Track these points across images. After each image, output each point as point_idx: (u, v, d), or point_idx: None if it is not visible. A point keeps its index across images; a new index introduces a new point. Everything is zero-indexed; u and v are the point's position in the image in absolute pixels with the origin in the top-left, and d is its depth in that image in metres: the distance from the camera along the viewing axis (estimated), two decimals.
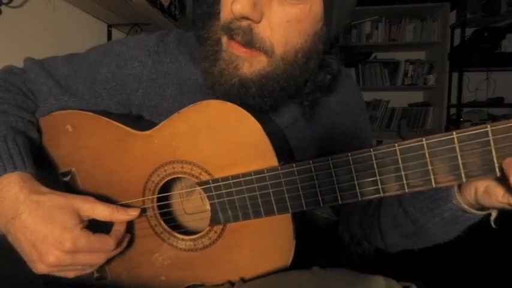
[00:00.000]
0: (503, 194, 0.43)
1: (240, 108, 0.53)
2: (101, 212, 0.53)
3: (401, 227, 0.60)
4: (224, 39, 0.54)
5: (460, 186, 0.50)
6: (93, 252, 0.51)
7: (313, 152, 0.69)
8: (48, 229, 0.48)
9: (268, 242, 0.57)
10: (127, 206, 0.61)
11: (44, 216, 0.48)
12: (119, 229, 0.56)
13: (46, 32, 1.48)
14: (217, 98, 0.55)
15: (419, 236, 0.59)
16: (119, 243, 0.55)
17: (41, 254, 0.48)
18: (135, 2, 1.64)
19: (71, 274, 0.52)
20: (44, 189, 0.52)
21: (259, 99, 0.56)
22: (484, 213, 0.49)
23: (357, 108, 0.72)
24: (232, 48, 0.53)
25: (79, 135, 0.64)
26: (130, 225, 0.60)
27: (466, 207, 0.50)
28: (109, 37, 1.94)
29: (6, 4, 1.22)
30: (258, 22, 0.50)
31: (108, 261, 0.56)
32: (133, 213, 0.56)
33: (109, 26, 1.93)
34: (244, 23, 0.50)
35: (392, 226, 0.62)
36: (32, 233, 0.48)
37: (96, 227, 0.52)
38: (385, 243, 0.65)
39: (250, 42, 0.51)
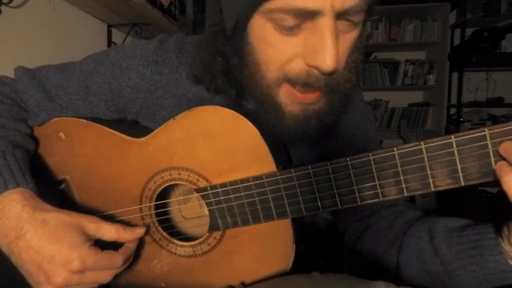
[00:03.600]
0: None
1: (236, 114, 0.52)
2: (107, 231, 0.51)
3: (425, 263, 0.54)
4: (283, 89, 0.51)
5: (509, 236, 0.44)
6: (101, 270, 0.50)
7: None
8: (55, 248, 0.46)
9: (268, 247, 0.57)
10: (124, 214, 0.61)
11: (50, 235, 0.47)
12: (129, 246, 0.55)
13: (46, 32, 1.48)
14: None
15: (443, 278, 0.52)
16: (126, 260, 0.53)
17: (48, 276, 0.46)
18: (135, 2, 1.64)
19: None
20: (47, 206, 0.51)
21: (330, 123, 0.54)
22: None
23: (367, 123, 0.71)
24: (303, 100, 0.50)
25: (72, 143, 0.63)
26: None
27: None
28: (109, 37, 1.93)
29: (6, 4, 1.21)
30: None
31: None
32: (139, 231, 0.55)
33: (109, 26, 1.93)
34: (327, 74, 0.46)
35: (415, 259, 0.55)
36: (38, 253, 0.46)
37: (102, 244, 0.51)
38: (400, 274, 0.58)
39: (331, 87, 0.49)
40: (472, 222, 0.52)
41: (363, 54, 0.54)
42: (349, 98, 0.56)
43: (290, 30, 0.46)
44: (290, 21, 0.44)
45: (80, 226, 0.50)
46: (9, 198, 0.50)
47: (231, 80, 0.57)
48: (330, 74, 0.46)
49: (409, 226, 0.60)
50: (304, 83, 0.48)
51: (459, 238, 0.50)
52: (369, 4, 0.47)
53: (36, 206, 0.50)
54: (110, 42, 1.93)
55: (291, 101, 0.51)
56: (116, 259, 0.51)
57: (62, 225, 0.48)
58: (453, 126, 3.34)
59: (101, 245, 0.51)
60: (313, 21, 0.44)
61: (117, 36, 1.99)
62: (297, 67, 0.47)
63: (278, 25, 0.45)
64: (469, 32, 3.29)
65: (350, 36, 0.49)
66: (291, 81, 0.49)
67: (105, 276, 0.51)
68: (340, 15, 0.45)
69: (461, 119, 3.33)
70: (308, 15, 0.44)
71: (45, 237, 0.47)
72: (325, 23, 0.43)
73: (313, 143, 0.67)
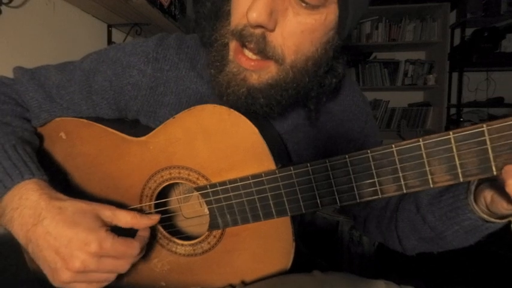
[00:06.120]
0: (507, 202, 0.43)
1: (235, 112, 0.53)
2: (123, 217, 0.52)
3: (419, 232, 0.60)
4: (232, 44, 0.53)
5: (474, 197, 0.50)
6: (119, 258, 0.50)
7: (316, 159, 0.67)
8: (73, 232, 0.46)
9: (268, 245, 0.57)
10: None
11: (67, 220, 0.47)
12: (143, 235, 0.55)
13: (46, 32, 1.48)
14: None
15: (437, 241, 0.59)
16: (142, 248, 0.53)
17: (66, 260, 0.46)
18: (135, 2, 1.64)
19: (94, 286, 0.49)
20: (63, 196, 0.51)
21: (267, 108, 0.55)
22: (504, 221, 0.49)
23: (363, 115, 0.71)
24: (240, 61, 0.52)
25: (73, 143, 0.64)
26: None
27: (484, 216, 0.49)
28: (109, 37, 1.93)
29: (6, 4, 1.22)
30: (272, 31, 0.49)
31: None
32: (155, 217, 0.56)
33: (109, 26, 1.93)
34: (258, 30, 0.49)
35: (410, 231, 0.62)
36: (56, 239, 0.46)
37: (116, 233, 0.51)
38: (403, 246, 0.65)
39: (263, 50, 0.50)
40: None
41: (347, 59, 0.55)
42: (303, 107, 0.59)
43: None
44: None
45: (96, 213, 0.50)
46: (26, 188, 0.50)
47: (211, 26, 0.58)
48: (258, 28, 0.48)
49: (400, 201, 0.65)
50: (240, 34, 0.50)
51: (439, 203, 0.56)
52: None
53: (52, 195, 0.51)
54: (110, 42, 1.93)
55: (234, 57, 0.53)
56: (133, 245, 0.51)
57: (79, 211, 0.49)
58: (453, 126, 3.34)
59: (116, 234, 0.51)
60: None
61: (117, 36, 1.99)
62: (244, 21, 0.50)
63: None
64: (469, 32, 3.28)
65: (303, 20, 0.48)
66: (235, 34, 0.51)
67: (123, 265, 0.50)
68: None
69: (461, 119, 3.32)
70: None
71: (63, 222, 0.47)
72: None
73: (310, 139, 0.67)
